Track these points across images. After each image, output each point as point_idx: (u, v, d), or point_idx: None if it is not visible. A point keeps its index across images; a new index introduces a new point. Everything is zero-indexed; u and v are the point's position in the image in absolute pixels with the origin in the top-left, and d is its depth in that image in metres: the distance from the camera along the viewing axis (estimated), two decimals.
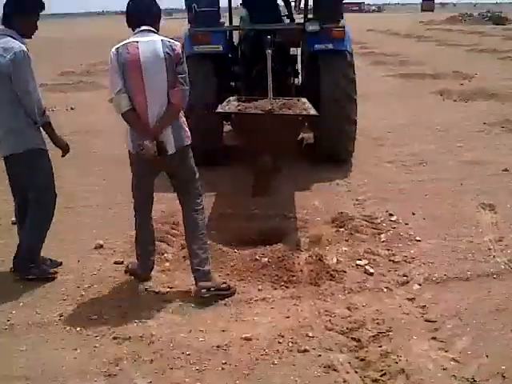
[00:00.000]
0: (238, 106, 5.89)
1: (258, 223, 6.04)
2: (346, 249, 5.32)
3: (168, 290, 4.65)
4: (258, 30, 7.89)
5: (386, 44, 27.07)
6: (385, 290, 4.60)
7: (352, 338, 3.90)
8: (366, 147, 8.86)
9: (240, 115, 5.51)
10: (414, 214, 6.25)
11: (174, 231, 5.85)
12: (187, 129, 4.54)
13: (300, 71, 8.97)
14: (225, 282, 4.55)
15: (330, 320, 4.13)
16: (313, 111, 5.63)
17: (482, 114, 11.51)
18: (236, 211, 6.36)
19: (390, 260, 5.10)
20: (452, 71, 17.40)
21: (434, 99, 13.61)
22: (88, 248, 5.53)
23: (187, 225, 4.62)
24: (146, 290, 4.64)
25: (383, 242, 5.49)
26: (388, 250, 5.30)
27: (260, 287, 4.64)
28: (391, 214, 6.21)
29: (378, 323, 4.09)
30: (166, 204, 6.70)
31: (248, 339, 3.89)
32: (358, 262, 5.03)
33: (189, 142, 4.53)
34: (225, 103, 6.23)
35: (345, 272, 4.86)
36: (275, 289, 4.63)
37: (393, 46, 25.19)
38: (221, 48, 7.53)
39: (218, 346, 3.83)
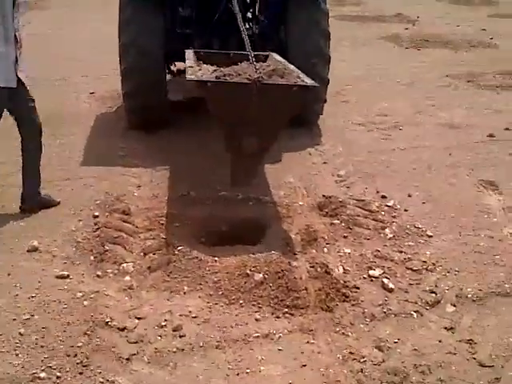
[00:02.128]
0: (214, 71, 4.56)
1: (229, 210, 4.94)
2: (348, 251, 4.32)
3: (136, 322, 3.50)
4: None
5: None
6: (414, 314, 3.64)
7: None
8: (329, 103, 7.77)
9: (216, 84, 4.21)
10: (409, 195, 5.35)
11: (127, 225, 4.64)
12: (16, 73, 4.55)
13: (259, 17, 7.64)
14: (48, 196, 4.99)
15: (361, 370, 3.13)
16: (309, 81, 4.41)
17: (440, 65, 10.73)
18: (199, 194, 5.22)
19: (407, 268, 4.13)
20: (394, 14, 16.44)
21: (384, 46, 12.68)
22: (19, 251, 4.28)
23: None
24: (107, 323, 3.47)
25: (390, 239, 4.52)
26: (400, 251, 4.34)
27: (258, 316, 3.55)
28: (384, 196, 5.28)
29: (422, 372, 3.14)
30: (109, 181, 5.49)
31: None
32: (370, 272, 4.04)
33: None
34: (195, 67, 4.90)
35: (358, 288, 3.86)
36: (277, 317, 3.55)
37: None
38: None
39: None
